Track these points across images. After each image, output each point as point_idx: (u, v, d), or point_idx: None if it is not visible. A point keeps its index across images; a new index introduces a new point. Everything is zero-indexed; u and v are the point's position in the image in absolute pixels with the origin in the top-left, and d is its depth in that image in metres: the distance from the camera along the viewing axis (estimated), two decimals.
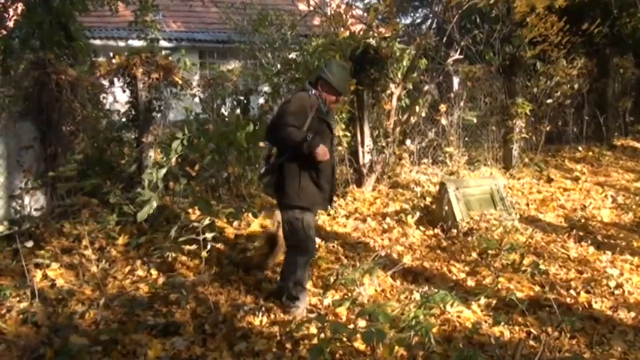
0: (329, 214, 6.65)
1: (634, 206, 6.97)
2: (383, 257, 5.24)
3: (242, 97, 7.97)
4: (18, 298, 4.46)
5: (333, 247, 5.65)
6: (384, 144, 7.43)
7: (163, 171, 5.57)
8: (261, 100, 8.70)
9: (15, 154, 6.04)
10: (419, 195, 6.79)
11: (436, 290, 3.99)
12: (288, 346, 3.76)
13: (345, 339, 3.38)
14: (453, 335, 3.82)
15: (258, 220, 6.44)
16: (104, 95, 7.15)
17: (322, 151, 3.92)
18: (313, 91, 4.15)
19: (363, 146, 7.47)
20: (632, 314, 4.20)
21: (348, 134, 7.36)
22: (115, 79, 6.64)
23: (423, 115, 8.03)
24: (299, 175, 4.12)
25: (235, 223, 6.27)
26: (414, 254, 5.38)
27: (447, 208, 5.88)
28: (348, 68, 4.05)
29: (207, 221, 4.77)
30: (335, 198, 4.82)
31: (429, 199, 6.55)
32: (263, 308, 4.35)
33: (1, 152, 5.98)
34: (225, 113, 8.09)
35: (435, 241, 5.69)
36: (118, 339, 3.92)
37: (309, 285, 4.67)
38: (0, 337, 3.95)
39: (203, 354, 3.75)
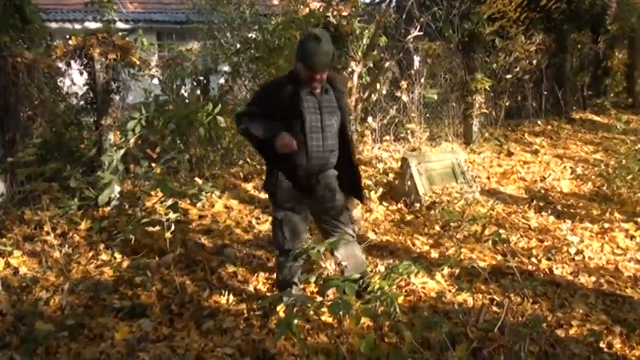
0: None
1: (592, 177, 7.17)
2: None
3: (202, 77, 7.89)
4: None
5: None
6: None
7: (121, 152, 5.47)
8: (222, 80, 8.61)
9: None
10: (381, 171, 6.85)
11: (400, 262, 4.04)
12: (256, 322, 3.79)
13: (312, 312, 3.41)
14: (418, 305, 3.90)
15: (222, 200, 6.43)
16: (61, 79, 6.99)
17: (283, 142, 3.42)
18: (293, 72, 3.70)
19: None
20: (593, 278, 4.35)
21: None
22: (72, 62, 6.48)
23: (384, 92, 8.07)
24: (275, 170, 3.70)
25: (199, 204, 6.24)
26: (379, 229, 5.44)
27: (409, 183, 5.94)
28: (324, 39, 3.51)
29: (169, 202, 4.73)
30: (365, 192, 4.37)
31: (391, 175, 6.61)
32: (228, 286, 4.37)
33: None
34: (185, 94, 8.00)
35: (399, 216, 5.76)
36: (84, 323, 3.89)
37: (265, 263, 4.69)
38: None
39: (170, 334, 3.75)
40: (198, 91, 7.79)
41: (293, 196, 3.68)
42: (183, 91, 8.05)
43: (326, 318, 3.61)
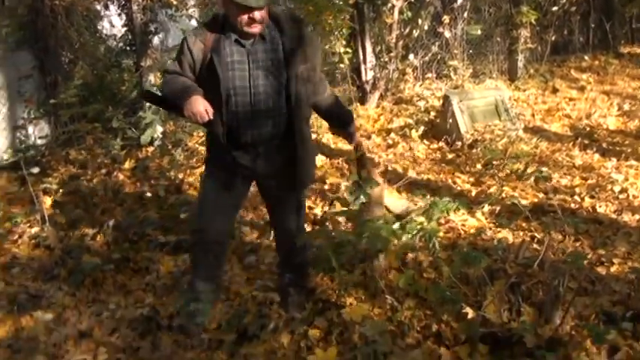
0: (333, 132, 6.65)
1: None
2: (387, 172, 5.31)
3: None
4: (29, 224, 4.55)
5: (338, 163, 5.68)
6: (386, 59, 7.31)
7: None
8: None
9: (15, 84, 6.02)
10: (423, 109, 6.75)
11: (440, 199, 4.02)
12: None
13: (350, 247, 3.44)
14: (457, 242, 3.89)
15: None
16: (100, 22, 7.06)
17: (191, 110, 2.59)
18: (219, 17, 2.77)
19: (365, 63, 7.35)
20: (637, 217, 4.24)
21: (349, 51, 7.20)
22: (110, 4, 6.52)
23: (426, 28, 7.81)
24: (208, 136, 2.98)
25: None
26: (419, 168, 5.41)
27: (451, 120, 5.85)
28: None
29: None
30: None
31: (433, 114, 6.51)
32: (268, 223, 4.43)
33: (0, 83, 5.95)
34: None
35: (440, 154, 5.70)
36: (130, 257, 4.03)
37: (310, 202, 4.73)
38: (14, 261, 4.06)
39: None
40: None
41: (217, 165, 2.94)
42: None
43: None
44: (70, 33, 6.10)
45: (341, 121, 3.09)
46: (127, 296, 3.59)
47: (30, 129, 5.91)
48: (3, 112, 5.96)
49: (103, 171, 5.53)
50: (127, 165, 5.60)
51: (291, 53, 2.70)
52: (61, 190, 5.06)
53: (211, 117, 2.61)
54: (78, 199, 4.99)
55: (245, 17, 2.55)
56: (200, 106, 2.57)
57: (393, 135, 6.25)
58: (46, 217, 4.46)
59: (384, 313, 3.09)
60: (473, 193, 4.67)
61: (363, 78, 7.35)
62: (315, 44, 2.89)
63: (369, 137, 6.37)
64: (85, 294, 3.61)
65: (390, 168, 5.30)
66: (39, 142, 5.92)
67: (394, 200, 4.17)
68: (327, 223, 4.35)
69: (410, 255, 3.59)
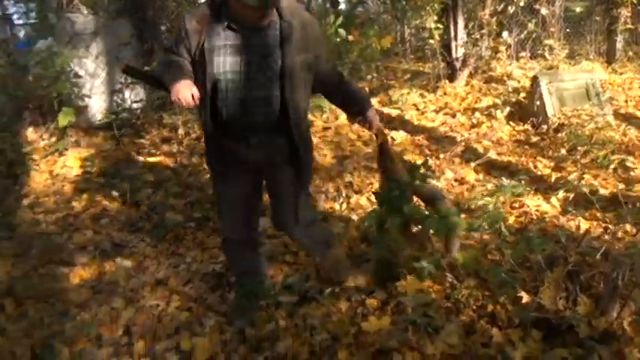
0: (417, 109, 6.68)
1: None
2: (468, 150, 5.29)
3: None
4: (120, 179, 4.95)
5: (419, 140, 5.71)
6: (478, 36, 7.17)
7: None
8: None
9: (114, 51, 6.44)
10: (512, 90, 6.60)
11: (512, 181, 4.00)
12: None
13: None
14: (528, 227, 3.86)
15: None
16: None
17: (176, 94, 2.46)
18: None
19: (456, 39, 7.25)
20: None
21: (441, 26, 7.12)
22: None
23: (522, 4, 7.56)
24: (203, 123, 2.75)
25: (324, 117, 6.46)
26: (501, 149, 5.35)
27: (538, 102, 5.70)
28: None
29: None
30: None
31: (522, 95, 6.36)
32: (344, 194, 4.58)
33: (101, 49, 6.38)
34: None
35: (524, 137, 5.59)
36: (210, 217, 4.32)
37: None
38: (104, 213, 4.46)
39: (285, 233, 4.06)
40: (328, 4, 7.80)
41: (216, 158, 2.79)
42: (313, 4, 8.12)
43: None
44: (167, 3, 6.40)
45: (358, 107, 2.85)
46: (203, 252, 3.88)
47: (126, 93, 6.31)
48: (102, 77, 6.41)
49: (193, 135, 5.86)
50: None
51: (288, 40, 2.52)
52: (152, 151, 5.42)
53: (197, 103, 2.48)
54: (167, 160, 5.33)
55: (256, 15, 2.45)
56: (187, 92, 2.44)
57: (478, 114, 6.17)
58: (136, 175, 4.82)
59: (442, 290, 3.16)
60: (552, 179, 4.59)
61: (453, 55, 7.26)
62: (316, 31, 2.69)
63: (453, 116, 6.34)
64: (165, 247, 3.93)
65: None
66: (134, 105, 6.32)
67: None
68: None
69: (475, 235, 3.62)
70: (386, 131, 5.98)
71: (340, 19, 6.18)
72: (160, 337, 2.99)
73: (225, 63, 2.51)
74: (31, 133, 6.17)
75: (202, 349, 2.82)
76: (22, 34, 8.08)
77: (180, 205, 4.48)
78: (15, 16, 8.14)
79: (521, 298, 2.81)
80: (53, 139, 5.89)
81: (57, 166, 5.51)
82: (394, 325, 2.89)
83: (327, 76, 2.77)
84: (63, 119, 5.63)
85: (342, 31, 6.13)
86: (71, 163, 5.48)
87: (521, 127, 5.82)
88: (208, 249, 3.92)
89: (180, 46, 2.57)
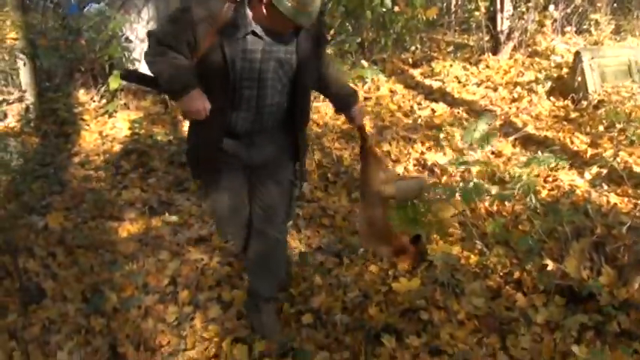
0: (459, 81, 6.71)
1: None
2: (506, 124, 5.34)
3: None
4: (167, 142, 5.17)
5: (458, 112, 5.77)
6: (524, 9, 7.10)
7: None
8: None
9: (165, 16, 6.60)
10: (554, 65, 6.56)
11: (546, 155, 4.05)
12: None
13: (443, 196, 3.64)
14: (560, 200, 3.93)
15: (388, 84, 6.67)
16: None
17: (190, 106, 2.30)
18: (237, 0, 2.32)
19: (502, 11, 7.18)
20: None
21: None
22: None
23: None
24: (189, 132, 2.63)
25: (365, 87, 6.55)
26: (539, 124, 5.37)
27: (579, 78, 5.67)
28: None
29: None
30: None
31: (565, 70, 6.33)
32: None
33: (152, 15, 6.57)
34: None
35: (563, 112, 5.59)
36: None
37: (418, 146, 4.93)
38: (151, 173, 4.70)
39: (324, 197, 4.24)
40: None
41: (210, 169, 2.59)
42: None
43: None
44: None
45: (344, 102, 2.76)
46: None
47: None
48: None
49: None
50: None
51: (304, 44, 2.41)
52: None
53: (207, 114, 2.31)
54: None
55: (290, 28, 2.30)
56: (200, 104, 2.28)
57: (519, 89, 6.18)
58: (183, 139, 5.03)
59: (471, 256, 3.29)
60: (588, 154, 4.62)
61: (498, 27, 7.20)
62: (322, 30, 2.63)
63: (495, 89, 6.35)
64: None
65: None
66: None
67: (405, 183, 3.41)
68: (435, 169, 4.53)
69: (507, 205, 3.72)
70: (426, 103, 6.11)
71: None
72: (203, 288, 3.22)
73: (243, 69, 2.32)
74: (82, 94, 6.44)
75: (241, 300, 3.02)
76: None
77: None
78: None
79: (547, 265, 2.92)
80: (103, 101, 6.14)
81: (106, 127, 5.77)
82: (423, 287, 3.05)
83: (325, 74, 2.67)
84: (113, 82, 5.85)
85: (387, 1, 6.16)
86: (120, 124, 5.74)
87: (561, 103, 5.81)
88: None
89: (181, 42, 2.29)
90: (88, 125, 5.80)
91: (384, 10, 6.62)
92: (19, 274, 3.16)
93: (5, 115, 4.31)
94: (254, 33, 2.30)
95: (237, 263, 3.38)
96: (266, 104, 2.43)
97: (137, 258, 3.54)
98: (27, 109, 5.01)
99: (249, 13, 2.29)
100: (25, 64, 5.45)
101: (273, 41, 2.33)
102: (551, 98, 5.92)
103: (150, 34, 2.36)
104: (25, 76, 5.58)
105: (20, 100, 4.73)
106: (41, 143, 5.31)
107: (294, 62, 2.42)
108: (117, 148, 5.31)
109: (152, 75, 2.37)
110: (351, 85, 6.13)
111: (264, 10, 2.22)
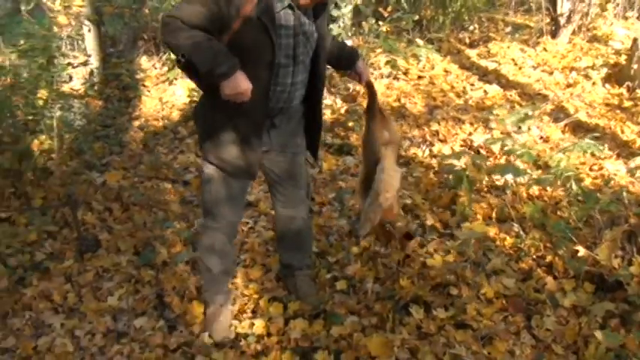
0: (515, 64, 6.66)
1: None
2: (558, 109, 5.31)
3: None
4: None
5: (510, 95, 5.76)
6: None
7: (349, 8, 5.91)
8: None
9: None
10: (613, 51, 6.43)
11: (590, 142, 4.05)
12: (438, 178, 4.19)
13: (483, 171, 3.71)
14: (603, 190, 3.93)
15: (443, 63, 6.68)
16: None
17: (235, 88, 2.16)
18: None
19: None
20: None
21: None
22: None
23: None
24: (212, 112, 2.42)
25: (420, 65, 6.59)
26: (591, 111, 5.32)
27: (635, 66, 5.55)
28: None
29: (382, 57, 5.12)
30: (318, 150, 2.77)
31: (623, 57, 6.20)
32: (427, 142, 4.79)
33: None
34: None
35: (617, 101, 5.50)
36: None
37: (467, 127, 4.97)
38: None
39: None
40: None
41: (228, 154, 2.43)
42: None
43: (496, 181, 3.90)
44: None
45: (347, 60, 2.73)
46: None
47: None
48: None
49: None
50: None
51: (319, 14, 2.37)
52: None
53: (250, 95, 2.21)
54: None
55: None
56: (245, 85, 2.17)
57: (575, 74, 6.10)
58: None
59: (507, 238, 3.37)
60: (637, 144, 4.57)
61: (558, 10, 7.06)
62: (328, 5, 2.51)
63: (551, 73, 6.29)
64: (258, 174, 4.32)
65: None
66: None
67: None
68: (481, 150, 4.58)
69: (549, 190, 3.76)
70: (479, 84, 6.10)
71: None
72: (247, 249, 3.41)
73: (280, 45, 2.25)
74: (144, 61, 6.72)
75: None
76: None
77: None
78: None
79: (577, 251, 2.97)
80: (165, 68, 6.38)
81: (167, 93, 6.03)
82: (456, 263, 3.15)
83: (326, 37, 2.58)
84: None
85: None
86: (180, 92, 5.97)
87: (615, 91, 5.71)
88: None
89: (209, 18, 2.15)
90: (149, 91, 6.06)
91: None
92: (78, 225, 3.42)
93: (70, 78, 4.57)
94: (290, 6, 2.24)
95: None
96: (298, 80, 2.38)
97: (187, 218, 3.77)
98: (91, 73, 5.28)
99: None
100: (90, 31, 5.71)
101: (301, 14, 2.29)
102: (607, 85, 5.83)
103: (169, 16, 2.17)
104: (90, 41, 5.85)
105: (85, 64, 5.00)
106: (104, 106, 5.60)
107: (316, 34, 2.37)
108: (175, 114, 5.55)
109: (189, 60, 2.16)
110: (406, 63, 6.28)
111: None
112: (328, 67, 2.70)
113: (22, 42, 4.44)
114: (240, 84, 2.15)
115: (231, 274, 2.89)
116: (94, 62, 5.83)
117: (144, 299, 3.01)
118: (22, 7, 4.98)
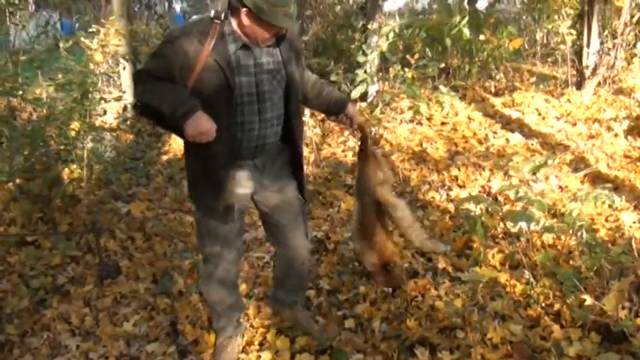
0: (539, 113, 6.73)
1: None
2: (578, 160, 5.35)
3: None
4: None
5: (532, 144, 5.82)
6: (611, 45, 7.02)
7: (375, 54, 6.09)
8: None
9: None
10: (636, 104, 6.46)
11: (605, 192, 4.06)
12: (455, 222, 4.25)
13: (498, 217, 3.76)
14: (617, 241, 3.94)
15: (467, 111, 6.79)
16: None
17: (197, 128, 2.21)
18: (221, 18, 2.33)
19: (588, 46, 7.12)
20: None
21: (573, 32, 7.06)
22: None
23: None
24: (188, 158, 2.57)
25: (444, 112, 6.70)
26: (612, 162, 5.34)
27: None
28: None
29: (406, 102, 5.25)
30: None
31: None
32: (446, 186, 4.86)
33: None
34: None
35: (638, 153, 5.52)
36: (321, 191, 4.80)
37: (486, 173, 5.03)
38: None
39: None
40: (465, 2, 7.94)
41: (206, 198, 2.53)
42: (450, 1, 8.27)
43: (510, 226, 3.94)
44: None
45: (337, 105, 2.79)
46: (309, 220, 4.33)
47: None
48: None
49: (319, 117, 6.34)
50: None
51: (288, 54, 2.48)
52: None
53: (215, 134, 2.25)
54: None
55: (270, 35, 2.33)
56: (208, 124, 2.22)
57: (597, 125, 6.15)
58: None
59: (517, 284, 3.40)
60: None
61: (584, 62, 7.15)
62: (299, 43, 2.67)
63: (574, 124, 6.34)
64: None
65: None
66: None
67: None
68: (499, 197, 4.63)
69: (562, 238, 3.78)
70: (502, 132, 6.18)
71: (466, 19, 6.38)
72: (261, 283, 3.51)
73: (241, 84, 2.35)
74: None
75: None
76: (177, 8, 8.94)
77: None
78: None
79: (584, 300, 2.99)
80: None
81: None
82: (464, 308, 3.19)
83: (312, 84, 2.75)
84: None
85: (466, 30, 6.32)
86: None
87: (637, 143, 5.72)
88: (314, 218, 4.39)
89: (173, 71, 2.29)
90: None
91: (467, 38, 6.75)
92: (100, 251, 3.56)
93: (105, 112, 4.80)
94: (245, 46, 2.34)
95: None
96: (267, 117, 2.45)
97: None
98: (124, 108, 5.51)
99: (235, 27, 2.32)
100: (125, 68, 5.97)
101: (261, 53, 2.39)
102: (629, 137, 5.85)
103: (136, 73, 2.38)
104: (125, 78, 6.12)
105: (119, 99, 5.23)
106: (134, 140, 5.83)
107: (284, 72, 2.47)
108: None
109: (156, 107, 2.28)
110: (429, 109, 6.40)
111: (246, 20, 2.26)
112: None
113: (59, 76, 4.69)
114: (201, 124, 2.21)
115: (239, 308, 2.96)
116: (128, 98, 6.06)
117: (157, 326, 3.11)
118: (62, 44, 5.27)
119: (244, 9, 2.23)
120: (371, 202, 2.97)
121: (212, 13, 2.36)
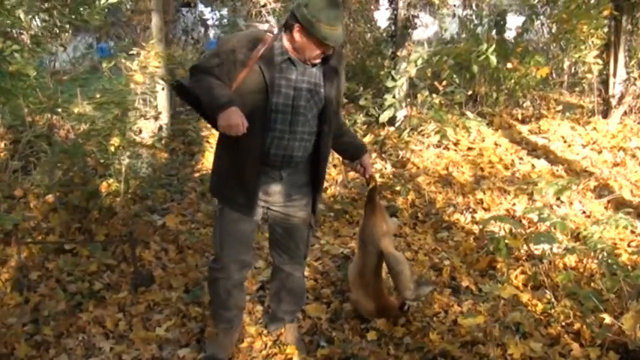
0: (565, 141, 6.80)
1: None
2: (602, 187, 5.40)
3: (499, 18, 8.13)
4: None
5: (557, 170, 5.89)
6: (637, 75, 7.09)
7: (403, 80, 6.24)
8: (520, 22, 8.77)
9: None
10: None
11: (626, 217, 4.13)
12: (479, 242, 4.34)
13: (522, 239, 3.85)
14: (638, 265, 3.98)
15: (494, 137, 6.88)
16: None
17: (228, 120, 2.36)
18: (273, 32, 2.57)
19: (614, 76, 7.21)
20: None
21: (600, 62, 7.16)
22: None
23: None
24: (218, 149, 2.75)
25: (471, 137, 6.81)
26: (636, 189, 5.38)
27: None
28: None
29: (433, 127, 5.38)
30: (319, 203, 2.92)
31: None
32: (471, 209, 4.95)
33: None
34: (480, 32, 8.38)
35: None
36: (348, 210, 4.92)
37: (511, 197, 5.10)
38: None
39: (411, 234, 4.56)
40: (494, 31, 8.09)
41: (229, 191, 2.70)
42: (479, 30, 8.43)
43: (534, 248, 4.01)
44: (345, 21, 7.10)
45: (355, 151, 2.97)
46: (336, 238, 4.48)
47: None
48: None
49: None
50: (367, 139, 6.47)
51: (330, 79, 2.63)
52: None
53: (245, 131, 2.39)
54: None
55: (319, 52, 2.49)
56: (238, 119, 2.36)
57: (622, 153, 6.20)
58: None
59: (539, 304, 3.46)
60: None
61: (610, 91, 7.23)
62: (344, 75, 2.81)
63: (599, 152, 6.40)
64: None
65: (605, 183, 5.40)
66: None
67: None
68: (523, 220, 4.71)
69: (584, 261, 3.85)
70: (528, 158, 6.26)
71: (493, 47, 6.52)
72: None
73: (279, 94, 2.52)
74: None
75: (316, 310, 3.43)
76: (212, 34, 9.21)
77: (325, 198, 5.11)
78: (209, 21, 9.32)
79: (603, 319, 3.06)
80: None
81: None
82: (486, 323, 3.26)
83: (337, 117, 2.82)
84: None
85: (492, 58, 6.45)
86: None
87: None
88: (341, 236, 4.52)
89: (223, 70, 2.50)
90: (212, 147, 6.47)
91: (494, 66, 6.88)
92: (135, 261, 3.72)
93: (140, 131, 5.01)
94: (290, 60, 2.53)
95: (322, 280, 3.78)
96: (297, 130, 2.59)
97: None
98: (160, 127, 5.72)
99: (286, 42, 2.52)
100: (162, 89, 6.22)
101: (304, 71, 2.56)
102: None
103: (192, 67, 2.59)
104: (162, 99, 6.35)
105: (155, 118, 5.44)
106: (169, 158, 6.04)
107: (322, 94, 2.62)
108: None
109: (196, 95, 2.50)
110: (456, 134, 6.52)
111: (298, 35, 2.45)
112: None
113: (98, 95, 4.92)
114: (234, 117, 2.35)
115: (243, 307, 3.08)
116: (164, 118, 6.29)
117: (189, 332, 3.24)
118: (104, 65, 5.53)
119: (297, 25, 2.42)
120: (374, 252, 3.11)
121: (266, 26, 2.60)
